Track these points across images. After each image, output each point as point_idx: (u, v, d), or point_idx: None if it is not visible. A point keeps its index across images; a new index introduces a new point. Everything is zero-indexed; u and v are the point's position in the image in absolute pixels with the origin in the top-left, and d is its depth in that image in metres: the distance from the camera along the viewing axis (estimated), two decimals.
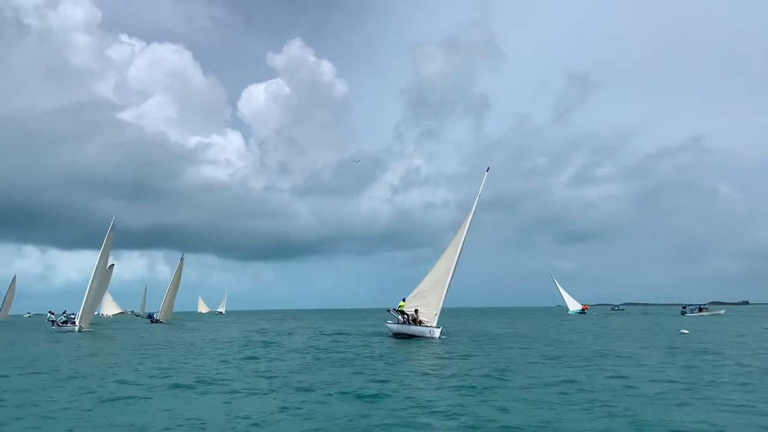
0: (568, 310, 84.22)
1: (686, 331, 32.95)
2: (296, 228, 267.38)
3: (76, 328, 40.48)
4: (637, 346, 21.74)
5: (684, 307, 74.28)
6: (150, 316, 68.31)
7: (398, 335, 29.08)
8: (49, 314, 45.41)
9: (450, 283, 28.23)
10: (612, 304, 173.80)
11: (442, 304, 27.96)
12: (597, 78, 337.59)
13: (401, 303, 30.20)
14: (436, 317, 27.59)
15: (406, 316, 29.24)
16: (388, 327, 31.09)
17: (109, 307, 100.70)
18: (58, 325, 42.39)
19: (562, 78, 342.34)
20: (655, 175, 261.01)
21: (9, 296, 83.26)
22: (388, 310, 30.58)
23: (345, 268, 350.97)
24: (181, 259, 65.57)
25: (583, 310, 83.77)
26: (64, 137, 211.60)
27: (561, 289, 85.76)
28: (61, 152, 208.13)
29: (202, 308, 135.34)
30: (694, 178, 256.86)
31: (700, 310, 71.28)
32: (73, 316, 43.49)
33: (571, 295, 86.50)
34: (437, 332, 26.56)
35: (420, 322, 28.42)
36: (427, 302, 28.94)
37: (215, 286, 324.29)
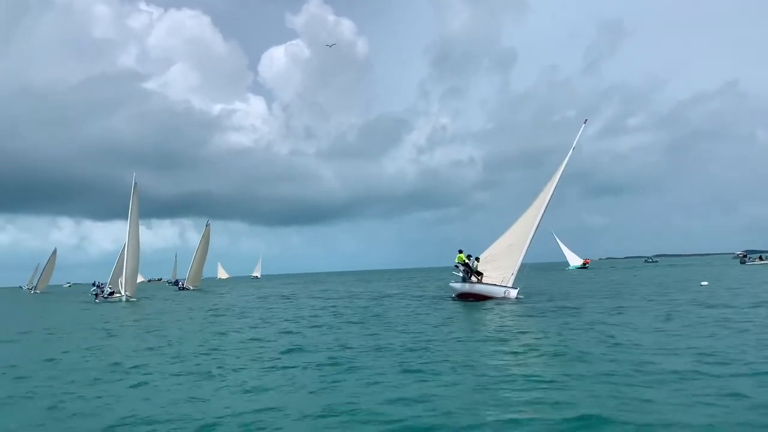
0: (569, 265, 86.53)
1: (706, 283, 31.14)
2: (323, 192, 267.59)
3: (123, 299, 39.43)
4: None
5: (744, 256, 71.82)
6: (176, 283, 67.53)
7: (463, 296, 26.47)
8: (94, 287, 44.49)
9: (531, 242, 25.71)
10: (645, 257, 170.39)
11: (521, 262, 25.43)
12: (629, 24, 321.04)
13: (459, 255, 26.67)
14: (513, 276, 25.18)
15: (468, 269, 26.26)
16: (451, 286, 28.65)
17: None
18: (104, 297, 41.27)
19: (592, 26, 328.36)
20: (688, 122, 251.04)
21: (48, 268, 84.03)
22: (456, 266, 27.00)
23: (373, 230, 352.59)
24: (207, 225, 64.54)
25: (584, 264, 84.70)
26: (93, 109, 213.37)
27: (562, 245, 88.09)
28: (90, 124, 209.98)
29: (222, 274, 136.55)
30: (730, 124, 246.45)
31: (760, 258, 68.60)
32: (103, 285, 42.79)
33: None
34: (514, 292, 24.18)
35: (481, 275, 26.03)
36: (498, 266, 26.38)
37: (244, 251, 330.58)
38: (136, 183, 41.25)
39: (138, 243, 42.05)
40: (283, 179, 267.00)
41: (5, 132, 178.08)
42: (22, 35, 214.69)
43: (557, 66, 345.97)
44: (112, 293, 41.34)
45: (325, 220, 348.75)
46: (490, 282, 25.59)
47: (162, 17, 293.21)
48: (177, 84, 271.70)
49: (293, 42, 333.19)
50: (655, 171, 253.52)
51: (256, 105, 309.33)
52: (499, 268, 26.17)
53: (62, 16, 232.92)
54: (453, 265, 27.37)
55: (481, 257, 27.52)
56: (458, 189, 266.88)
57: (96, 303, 39.59)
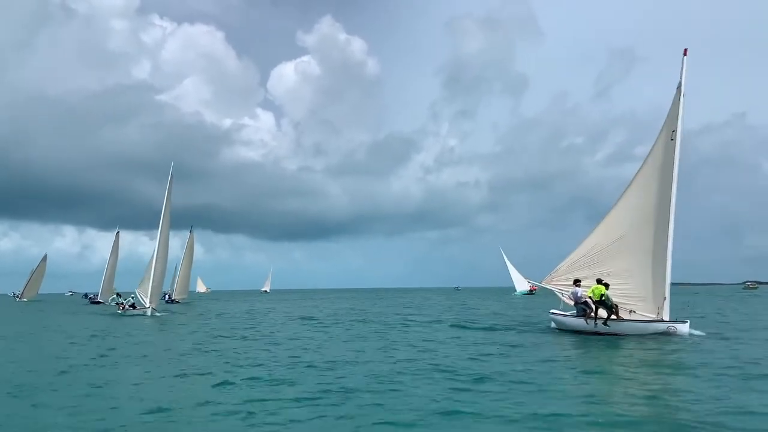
0: (515, 291, 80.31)
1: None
2: (329, 208, 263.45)
3: (149, 312, 34.32)
4: None
5: None
6: (164, 296, 61.74)
7: (581, 333, 18.69)
8: (115, 296, 39.64)
9: (671, 246, 18.74)
10: None
11: (668, 281, 18.54)
12: (640, 52, 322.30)
13: (598, 287, 18.41)
14: (666, 302, 18.28)
15: (594, 306, 18.42)
16: (553, 319, 20.92)
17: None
18: (125, 308, 36.41)
19: (603, 53, 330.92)
20: (695, 152, 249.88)
21: (37, 274, 77.60)
22: (584, 301, 19.10)
23: (377, 248, 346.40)
24: (191, 233, 60.69)
25: (531, 291, 75.62)
26: (106, 119, 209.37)
27: (511, 268, 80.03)
28: (101, 134, 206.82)
29: (201, 287, 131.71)
30: (736, 155, 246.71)
31: None
32: (93, 296, 38.76)
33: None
34: (684, 327, 17.53)
35: (616, 308, 18.38)
36: (605, 272, 19.56)
37: (248, 265, 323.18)
38: (172, 175, 36.67)
39: (167, 249, 37.24)
40: (291, 194, 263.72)
41: (17, 139, 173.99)
42: (40, 45, 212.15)
43: (568, 92, 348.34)
44: (133, 305, 36.55)
45: (330, 236, 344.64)
46: (633, 313, 18.67)
47: (176, 32, 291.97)
48: (189, 97, 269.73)
49: (303, 59, 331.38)
50: None
51: (266, 120, 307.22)
52: (609, 275, 19.35)
53: (80, 28, 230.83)
54: (573, 297, 19.52)
55: (569, 261, 20.88)
56: (463, 210, 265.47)
57: (119, 313, 35.78)
